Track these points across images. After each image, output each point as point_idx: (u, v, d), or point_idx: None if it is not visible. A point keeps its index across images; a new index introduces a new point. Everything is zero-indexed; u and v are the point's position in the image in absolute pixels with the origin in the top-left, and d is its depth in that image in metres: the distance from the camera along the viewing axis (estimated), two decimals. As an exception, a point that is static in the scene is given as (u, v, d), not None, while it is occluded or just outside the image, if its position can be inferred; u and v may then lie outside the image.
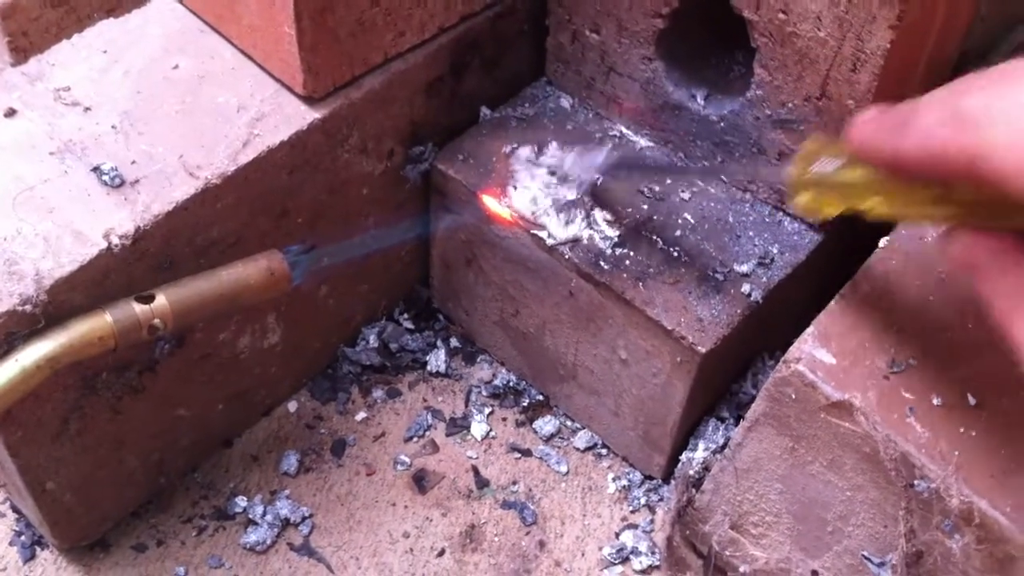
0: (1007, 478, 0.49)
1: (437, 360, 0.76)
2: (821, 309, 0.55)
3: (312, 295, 0.69)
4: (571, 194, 0.64)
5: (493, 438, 0.73)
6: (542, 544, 0.68)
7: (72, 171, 0.56)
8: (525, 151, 0.67)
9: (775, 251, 0.64)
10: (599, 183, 0.64)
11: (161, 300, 0.52)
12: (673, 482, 0.67)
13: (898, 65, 0.57)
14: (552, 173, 0.65)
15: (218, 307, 0.55)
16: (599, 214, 0.64)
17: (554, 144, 0.66)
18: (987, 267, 0.39)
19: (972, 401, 0.51)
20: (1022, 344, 0.36)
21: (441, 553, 0.67)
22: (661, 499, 0.70)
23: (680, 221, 0.65)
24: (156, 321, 0.52)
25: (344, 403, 0.74)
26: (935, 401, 0.52)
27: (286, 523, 0.68)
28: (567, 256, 0.63)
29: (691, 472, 0.65)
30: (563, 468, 0.72)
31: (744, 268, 0.63)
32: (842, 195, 0.46)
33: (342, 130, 0.62)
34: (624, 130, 0.70)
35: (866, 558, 0.56)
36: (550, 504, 0.70)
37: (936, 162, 0.36)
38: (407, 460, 0.71)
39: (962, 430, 0.51)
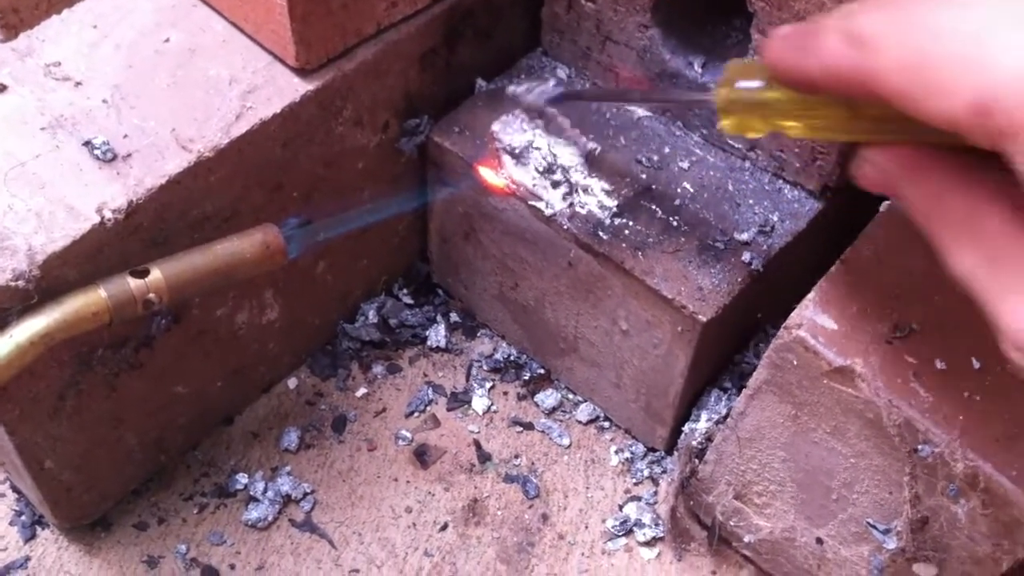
0: (1012, 442, 0.49)
1: (437, 335, 0.75)
2: (822, 276, 0.55)
3: (310, 270, 0.69)
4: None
5: (494, 412, 0.73)
6: (545, 517, 0.68)
7: (64, 146, 0.55)
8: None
9: (775, 219, 0.63)
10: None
11: (156, 274, 0.52)
12: (676, 453, 0.66)
13: (898, 27, 0.57)
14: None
15: (213, 281, 0.54)
16: (597, 183, 0.64)
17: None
18: (901, 181, 0.39)
19: (976, 365, 0.51)
20: (944, 249, 0.37)
21: (444, 528, 0.67)
22: (664, 471, 0.70)
23: (679, 190, 0.65)
24: (151, 295, 0.52)
25: (344, 379, 0.74)
26: (939, 365, 0.51)
27: (287, 499, 0.67)
28: (565, 227, 0.63)
29: (694, 443, 0.64)
30: (565, 441, 0.72)
31: (744, 236, 0.62)
32: (763, 116, 0.46)
33: (336, 102, 0.62)
34: (622, 99, 0.70)
35: (871, 525, 0.56)
36: (553, 477, 0.70)
37: (836, 82, 0.37)
38: (408, 435, 0.71)
39: (966, 394, 0.50)
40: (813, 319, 0.53)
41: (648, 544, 0.67)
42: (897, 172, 0.40)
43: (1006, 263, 0.34)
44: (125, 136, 0.56)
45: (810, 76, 0.39)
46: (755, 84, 0.45)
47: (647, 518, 0.68)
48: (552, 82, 0.65)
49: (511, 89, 0.64)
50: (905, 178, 0.39)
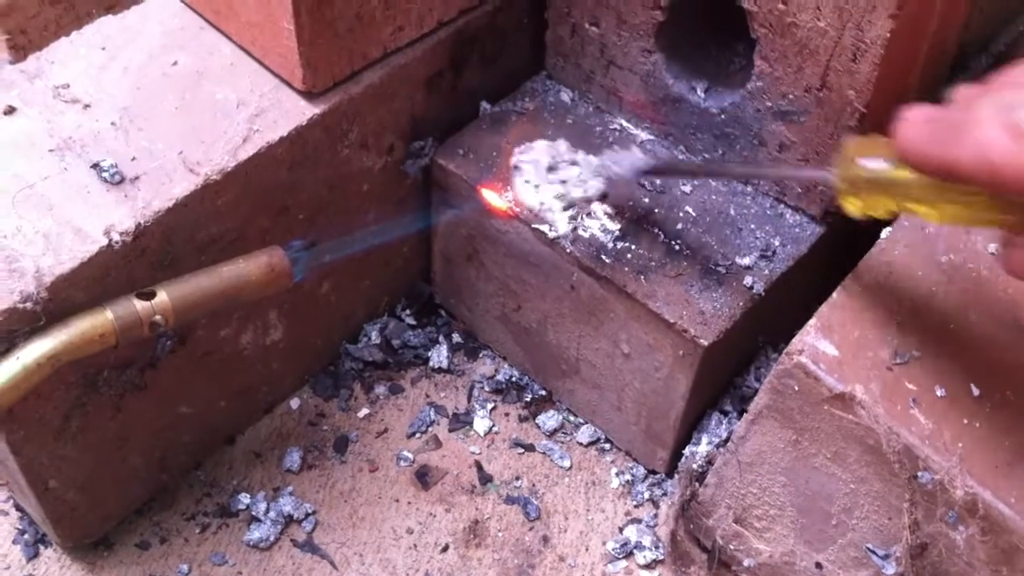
0: (1012, 469, 0.49)
1: (439, 356, 0.76)
2: (824, 301, 0.55)
3: (314, 292, 0.69)
4: (585, 194, 0.64)
5: (496, 433, 0.73)
6: (546, 539, 0.68)
7: (72, 168, 0.55)
8: (535, 149, 0.66)
9: (777, 243, 0.64)
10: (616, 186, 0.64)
11: (162, 296, 0.52)
12: (676, 476, 0.67)
13: (899, 55, 0.57)
14: (566, 174, 0.64)
15: (219, 303, 0.55)
16: (600, 207, 0.64)
17: (565, 143, 0.66)
18: None
19: (976, 392, 0.51)
20: None
21: (445, 549, 0.67)
22: (664, 493, 0.70)
23: (681, 214, 0.65)
24: (157, 317, 0.52)
25: (346, 400, 0.74)
26: (938, 392, 0.51)
27: (289, 520, 0.67)
28: (568, 250, 0.63)
29: (694, 466, 0.65)
30: (566, 463, 0.72)
31: (746, 260, 0.63)
32: (892, 197, 0.44)
33: (342, 125, 0.62)
34: (624, 123, 0.70)
35: (870, 550, 0.56)
36: (553, 499, 0.70)
37: (996, 175, 0.35)
38: (410, 456, 0.71)
39: (966, 421, 0.51)
40: (814, 345, 0.53)
41: (648, 567, 0.67)
42: None
43: None
44: (133, 159, 0.56)
45: (957, 167, 0.36)
46: (882, 164, 0.43)
47: (647, 541, 0.68)
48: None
49: (600, 160, 0.63)
50: None
